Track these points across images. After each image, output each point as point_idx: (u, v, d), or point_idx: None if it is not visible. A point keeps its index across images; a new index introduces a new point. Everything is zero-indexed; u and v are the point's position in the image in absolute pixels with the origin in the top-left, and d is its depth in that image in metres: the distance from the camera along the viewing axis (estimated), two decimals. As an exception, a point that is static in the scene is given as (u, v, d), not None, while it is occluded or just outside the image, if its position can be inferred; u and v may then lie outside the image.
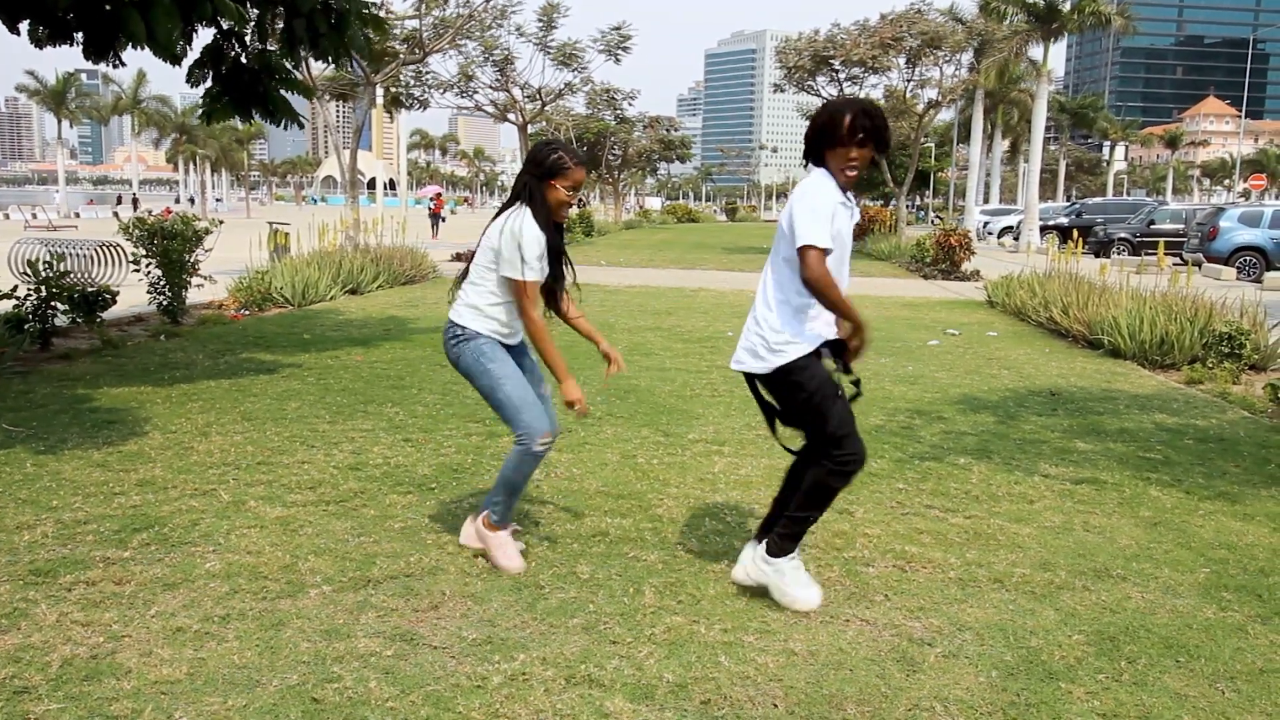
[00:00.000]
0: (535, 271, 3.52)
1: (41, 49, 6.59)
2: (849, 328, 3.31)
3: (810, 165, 3.33)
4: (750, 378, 3.46)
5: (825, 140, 3.23)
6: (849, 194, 3.32)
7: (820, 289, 3.17)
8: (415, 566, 3.74)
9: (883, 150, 3.30)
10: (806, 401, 3.31)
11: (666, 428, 6.08)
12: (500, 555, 3.70)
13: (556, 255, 3.66)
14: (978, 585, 3.71)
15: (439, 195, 45.50)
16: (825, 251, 3.15)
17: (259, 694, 2.79)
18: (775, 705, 2.81)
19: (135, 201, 56.34)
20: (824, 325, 3.36)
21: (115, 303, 9.22)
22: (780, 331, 3.30)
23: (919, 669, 3.04)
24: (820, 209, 3.17)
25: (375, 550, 3.90)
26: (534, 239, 3.49)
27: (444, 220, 37.76)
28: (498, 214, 3.64)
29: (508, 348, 3.67)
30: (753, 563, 3.46)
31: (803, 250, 3.14)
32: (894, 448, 5.70)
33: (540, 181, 3.55)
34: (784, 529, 3.41)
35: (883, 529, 4.29)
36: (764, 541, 3.46)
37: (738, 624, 3.32)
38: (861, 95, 28.44)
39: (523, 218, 3.52)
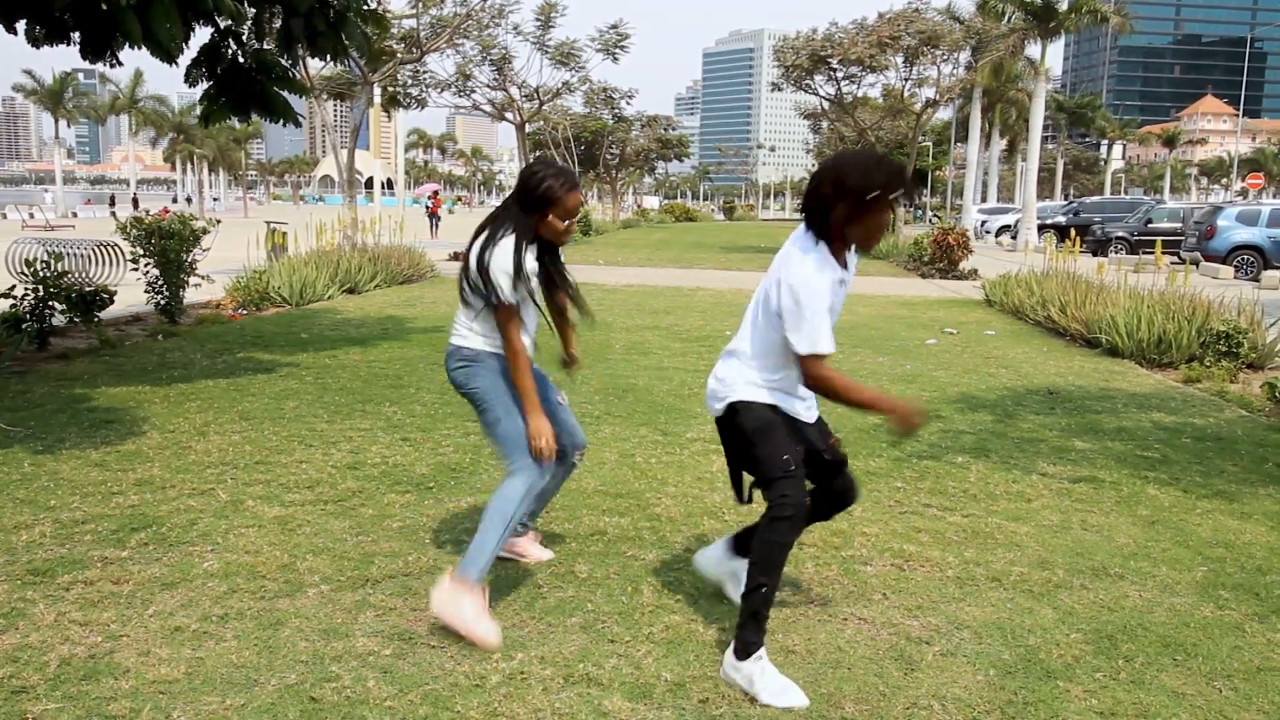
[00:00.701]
0: (510, 295, 3.18)
1: (38, 48, 6.58)
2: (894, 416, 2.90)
3: (808, 228, 2.91)
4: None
5: (848, 202, 2.80)
6: (851, 257, 2.98)
7: (828, 393, 2.91)
8: (414, 566, 3.74)
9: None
10: (745, 442, 3.05)
11: (664, 426, 6.08)
12: (478, 626, 3.12)
13: (560, 274, 3.49)
14: (975, 584, 3.71)
15: (436, 194, 43.29)
16: (826, 356, 2.87)
17: (257, 693, 2.79)
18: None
19: (135, 201, 56.37)
20: (800, 407, 3.10)
21: (113, 302, 9.21)
22: (737, 375, 3.05)
23: (917, 667, 3.04)
24: (818, 306, 2.82)
25: (373, 549, 3.90)
26: (502, 265, 3.16)
27: (440, 220, 37.00)
28: (479, 232, 3.29)
29: None
30: (726, 668, 2.98)
31: (805, 359, 2.86)
32: (892, 446, 5.70)
33: (530, 214, 3.22)
34: (741, 617, 2.97)
35: (880, 527, 4.29)
36: (731, 646, 2.98)
37: (736, 623, 3.31)
38: (859, 94, 28.52)
39: (501, 244, 3.19)
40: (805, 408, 3.12)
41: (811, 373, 2.88)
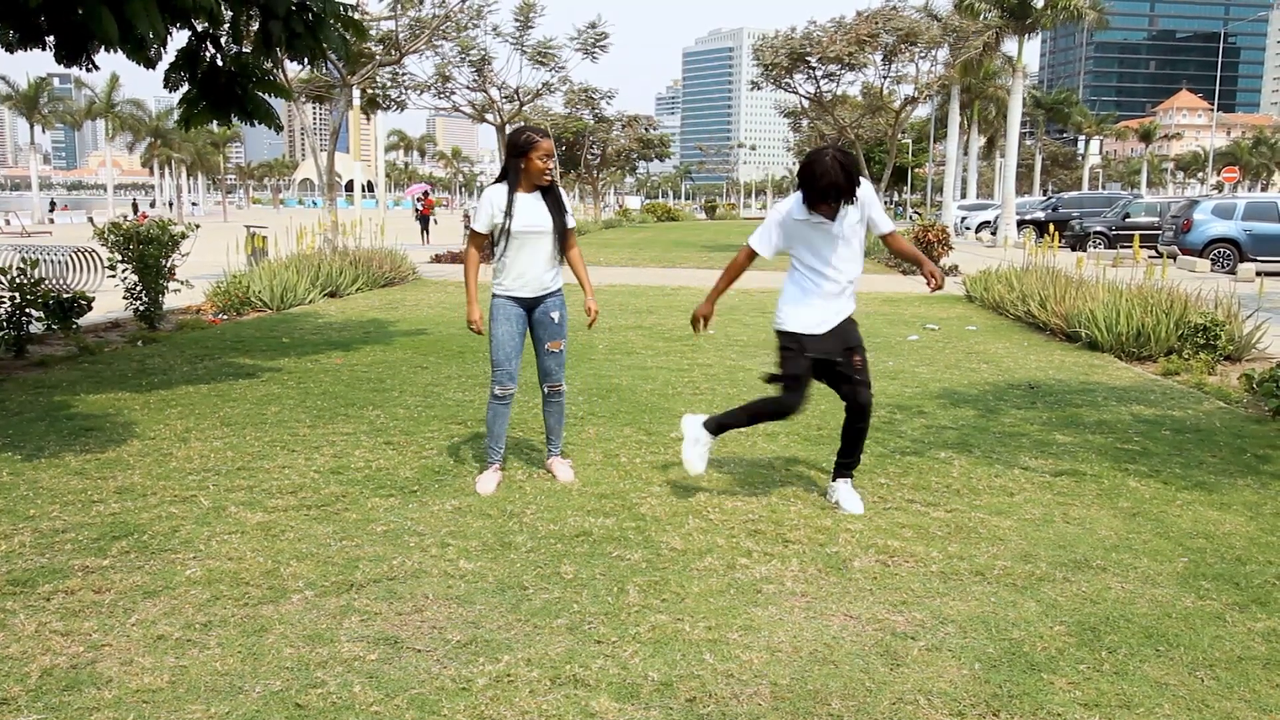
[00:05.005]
0: (479, 224, 4.62)
1: (12, 53, 6.53)
2: None
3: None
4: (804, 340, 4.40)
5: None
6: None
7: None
8: (398, 570, 3.73)
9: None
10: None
11: (649, 426, 6.08)
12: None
13: (558, 207, 4.63)
14: (959, 578, 3.73)
15: (426, 195, 36.45)
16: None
17: (242, 701, 2.77)
18: (760, 702, 2.82)
19: (135, 205, 56.26)
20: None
21: (91, 309, 9.14)
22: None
23: (902, 662, 3.06)
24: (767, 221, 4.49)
25: (358, 554, 3.88)
26: (485, 201, 4.62)
27: (435, 222, 32.03)
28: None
29: (523, 301, 4.67)
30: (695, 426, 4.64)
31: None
32: (875, 442, 5.72)
33: (518, 159, 4.53)
34: (731, 422, 4.65)
35: (865, 523, 4.31)
36: (710, 420, 4.63)
37: (722, 621, 3.32)
38: (838, 92, 28.59)
39: (491, 188, 4.62)
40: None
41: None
